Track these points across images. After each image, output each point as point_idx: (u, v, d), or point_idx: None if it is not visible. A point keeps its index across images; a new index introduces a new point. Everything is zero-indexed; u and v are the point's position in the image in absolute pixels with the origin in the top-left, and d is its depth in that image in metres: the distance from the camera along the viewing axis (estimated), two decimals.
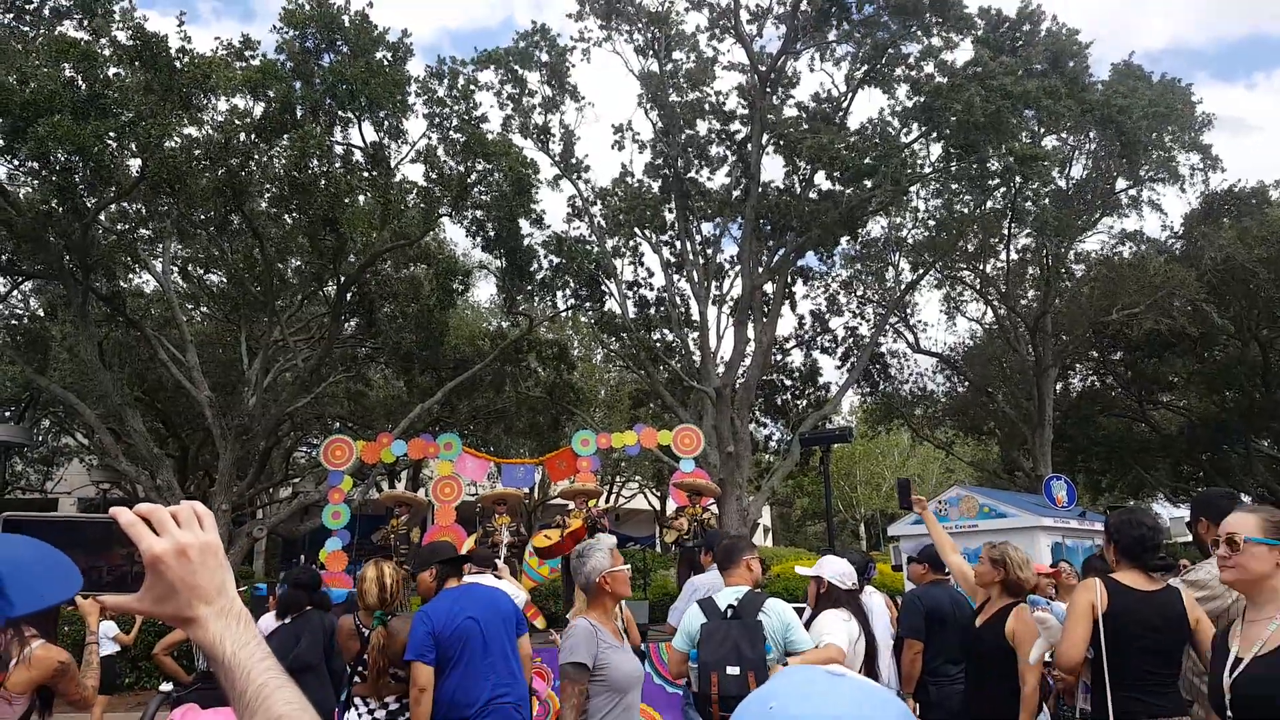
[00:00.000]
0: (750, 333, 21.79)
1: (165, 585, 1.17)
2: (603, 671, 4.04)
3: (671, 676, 6.09)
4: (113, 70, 14.29)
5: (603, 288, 22.96)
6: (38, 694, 3.89)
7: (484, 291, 42.35)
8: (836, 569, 5.33)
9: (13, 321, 22.22)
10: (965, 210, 23.92)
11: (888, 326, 26.88)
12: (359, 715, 5.10)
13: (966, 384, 30.21)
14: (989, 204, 23.57)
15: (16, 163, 15.40)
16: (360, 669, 5.25)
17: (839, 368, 26.45)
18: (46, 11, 15.42)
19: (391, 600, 5.42)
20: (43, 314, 22.35)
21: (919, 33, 20.19)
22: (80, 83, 13.67)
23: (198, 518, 1.23)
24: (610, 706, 4.05)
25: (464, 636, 5.02)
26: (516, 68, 21.38)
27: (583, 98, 22.39)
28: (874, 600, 6.28)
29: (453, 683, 4.98)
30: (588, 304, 23.64)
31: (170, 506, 1.21)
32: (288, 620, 5.80)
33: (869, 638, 5.00)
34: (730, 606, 4.63)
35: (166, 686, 6.90)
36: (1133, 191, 24.74)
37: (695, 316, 22.65)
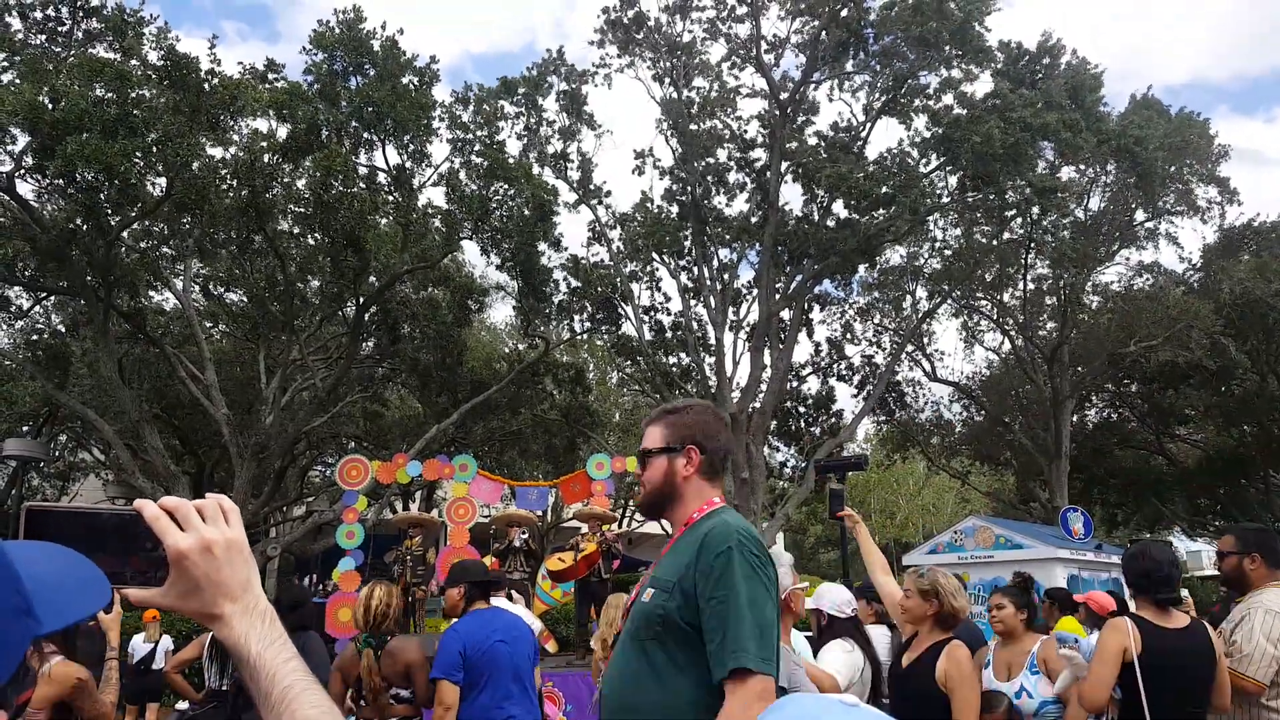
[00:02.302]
0: (766, 359, 21.75)
1: (190, 581, 1.15)
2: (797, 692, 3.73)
3: None
4: (142, 91, 14.46)
5: (619, 311, 23.00)
6: (55, 710, 3.90)
7: (501, 314, 42.50)
8: (834, 599, 5.22)
9: (34, 337, 22.38)
10: (983, 240, 23.91)
11: (904, 355, 26.79)
12: None
13: (983, 414, 30.00)
14: (1007, 234, 23.54)
15: (44, 180, 15.58)
16: (363, 693, 5.23)
17: (855, 395, 26.37)
18: (79, 34, 15.68)
19: (379, 623, 5.38)
20: (64, 330, 22.49)
21: (938, 64, 20.25)
22: (110, 102, 13.83)
23: (223, 513, 1.21)
24: None
25: (493, 659, 5.04)
26: (533, 96, 21.52)
27: (599, 125, 22.54)
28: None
29: (481, 704, 4.99)
30: (604, 327, 23.69)
31: (196, 500, 1.19)
32: None
33: (875, 665, 4.86)
34: None
35: (183, 705, 6.89)
36: (1150, 224, 24.69)
37: (711, 341, 22.63)
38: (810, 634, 5.84)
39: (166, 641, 11.76)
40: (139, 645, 11.79)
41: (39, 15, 15.44)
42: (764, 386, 21.84)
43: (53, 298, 21.23)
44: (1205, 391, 26.10)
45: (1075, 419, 27.55)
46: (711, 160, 23.11)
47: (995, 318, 27.88)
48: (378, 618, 5.37)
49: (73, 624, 0.98)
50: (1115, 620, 4.01)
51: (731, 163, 23.36)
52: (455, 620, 5.33)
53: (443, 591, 5.57)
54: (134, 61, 14.84)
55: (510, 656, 5.13)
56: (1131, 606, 4.16)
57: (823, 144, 22.14)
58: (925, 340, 28.05)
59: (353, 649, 5.42)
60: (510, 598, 6.93)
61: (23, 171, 15.26)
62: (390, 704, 5.16)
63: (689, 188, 22.40)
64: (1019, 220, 22.56)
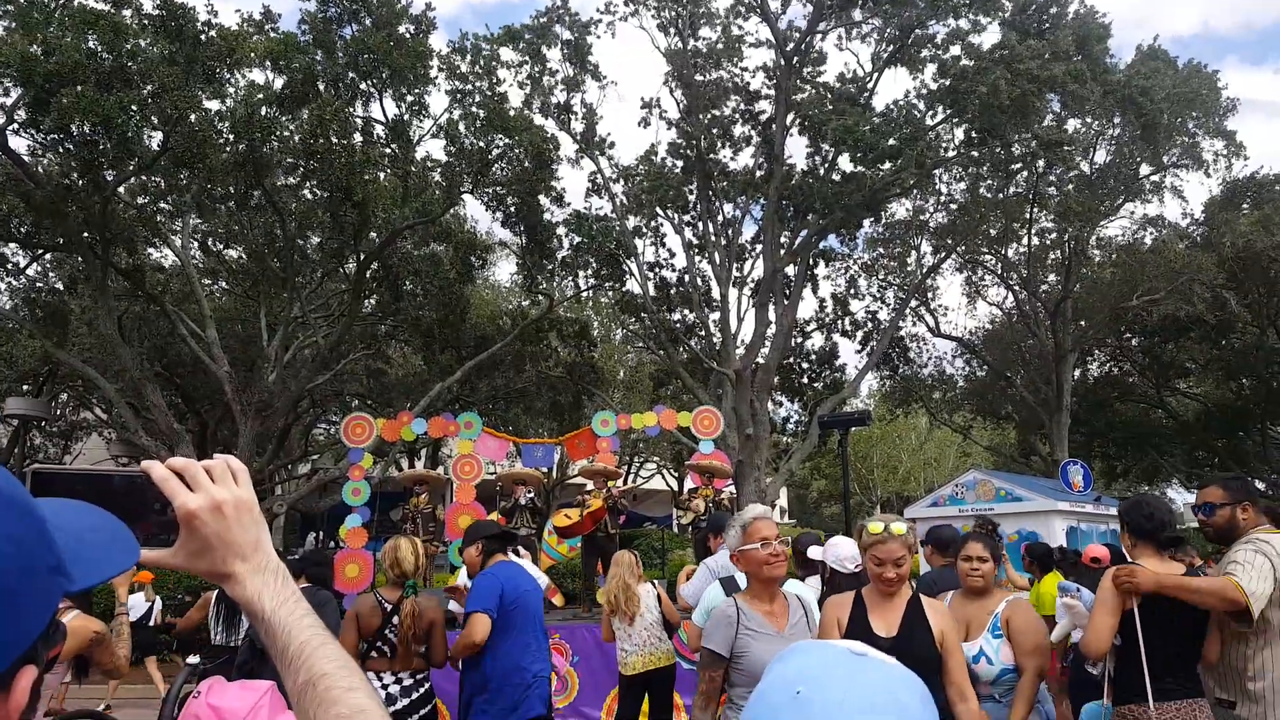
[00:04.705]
0: (771, 315, 21.66)
1: (200, 541, 1.15)
2: (741, 660, 3.59)
3: (690, 652, 6.11)
4: (138, 41, 14.24)
5: (623, 267, 22.86)
6: (73, 662, 4.05)
7: (504, 271, 42.31)
8: (838, 553, 5.21)
9: (32, 295, 22.30)
10: (988, 194, 23.78)
11: (908, 310, 26.75)
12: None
13: (985, 368, 30.10)
14: (1012, 188, 23.40)
15: (39, 134, 15.39)
16: (378, 644, 5.28)
17: (859, 351, 26.31)
18: None
19: (414, 573, 5.54)
20: (62, 287, 22.40)
21: (947, 13, 19.94)
22: (104, 54, 13.63)
23: (232, 473, 1.20)
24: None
25: (526, 606, 5.27)
26: (537, 45, 21.21)
27: (604, 76, 22.20)
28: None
29: (517, 647, 5.16)
30: (608, 284, 23.57)
31: (204, 461, 1.19)
32: None
33: None
34: None
35: (194, 659, 6.97)
36: (1156, 177, 24.53)
37: (716, 297, 22.56)
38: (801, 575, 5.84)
39: (158, 601, 12.80)
40: (138, 603, 12.37)
41: None
42: (768, 342, 21.78)
43: (50, 255, 21.12)
44: (1205, 345, 26.17)
45: (1077, 373, 27.63)
46: (717, 113, 22.88)
47: (999, 272, 27.86)
48: (416, 568, 5.56)
49: (106, 580, 0.97)
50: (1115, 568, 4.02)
51: (737, 115, 23.12)
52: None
53: (460, 551, 5.75)
54: (127, 11, 14.61)
55: (536, 606, 5.41)
56: (1129, 556, 4.16)
57: (829, 95, 21.86)
58: (929, 295, 28.06)
59: (371, 599, 5.44)
60: (517, 553, 6.96)
61: (16, 126, 15.05)
62: (413, 657, 5.30)
63: (694, 141, 22.18)
64: (1024, 174, 22.42)
